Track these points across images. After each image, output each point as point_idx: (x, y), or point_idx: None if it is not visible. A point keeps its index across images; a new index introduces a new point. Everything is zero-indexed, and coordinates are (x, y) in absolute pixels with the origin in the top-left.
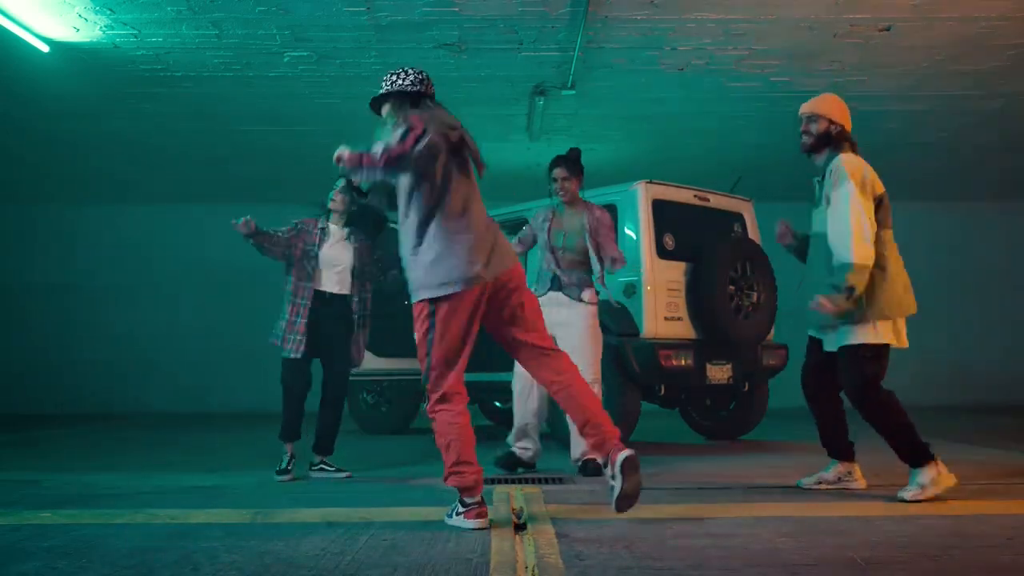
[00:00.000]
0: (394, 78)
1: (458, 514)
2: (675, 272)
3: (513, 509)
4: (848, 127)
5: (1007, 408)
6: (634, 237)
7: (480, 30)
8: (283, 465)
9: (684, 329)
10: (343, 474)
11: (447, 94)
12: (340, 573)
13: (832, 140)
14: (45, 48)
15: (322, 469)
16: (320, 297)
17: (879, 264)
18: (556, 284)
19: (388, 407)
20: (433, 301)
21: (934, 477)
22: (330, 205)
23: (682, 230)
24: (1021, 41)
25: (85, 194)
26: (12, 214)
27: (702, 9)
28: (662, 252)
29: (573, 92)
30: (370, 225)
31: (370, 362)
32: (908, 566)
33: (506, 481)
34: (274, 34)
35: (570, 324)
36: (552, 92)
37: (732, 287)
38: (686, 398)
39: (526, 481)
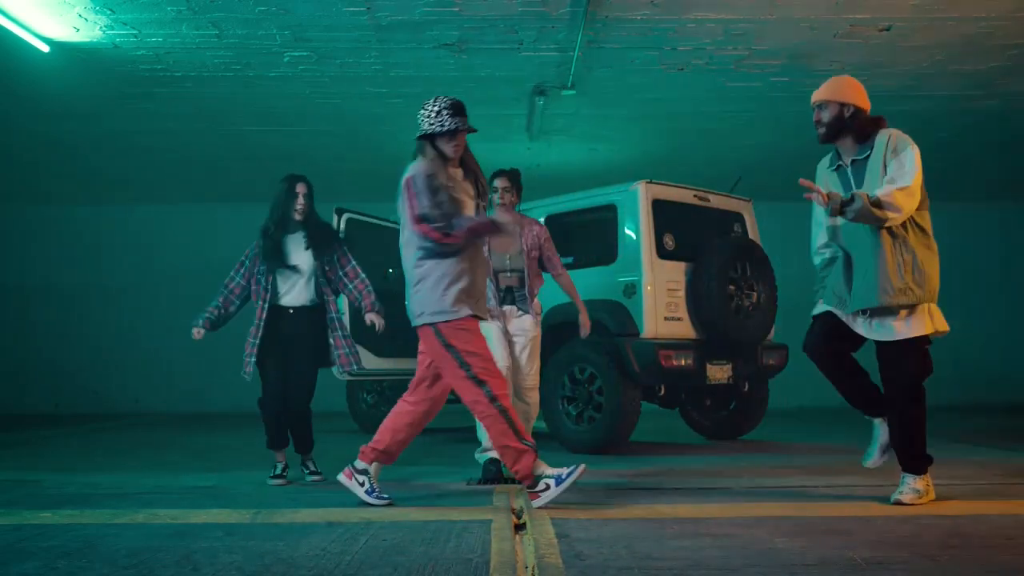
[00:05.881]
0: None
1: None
2: (675, 272)
3: (513, 509)
4: (866, 105)
5: (1007, 408)
6: (634, 237)
7: (480, 30)
8: (276, 471)
9: (684, 329)
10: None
11: (447, 94)
12: (340, 573)
13: (849, 124)
14: (45, 48)
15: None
16: (277, 312)
17: (930, 245)
18: (510, 298)
19: (388, 407)
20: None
21: (926, 487)
22: (296, 215)
23: (682, 230)
24: (1021, 41)
25: (85, 194)
26: (12, 214)
27: (702, 9)
28: (662, 252)
29: (573, 92)
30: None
31: (370, 362)
32: (908, 566)
33: (506, 481)
34: (274, 34)
35: (523, 332)
36: (552, 92)
37: (732, 287)
38: (686, 398)
39: None
